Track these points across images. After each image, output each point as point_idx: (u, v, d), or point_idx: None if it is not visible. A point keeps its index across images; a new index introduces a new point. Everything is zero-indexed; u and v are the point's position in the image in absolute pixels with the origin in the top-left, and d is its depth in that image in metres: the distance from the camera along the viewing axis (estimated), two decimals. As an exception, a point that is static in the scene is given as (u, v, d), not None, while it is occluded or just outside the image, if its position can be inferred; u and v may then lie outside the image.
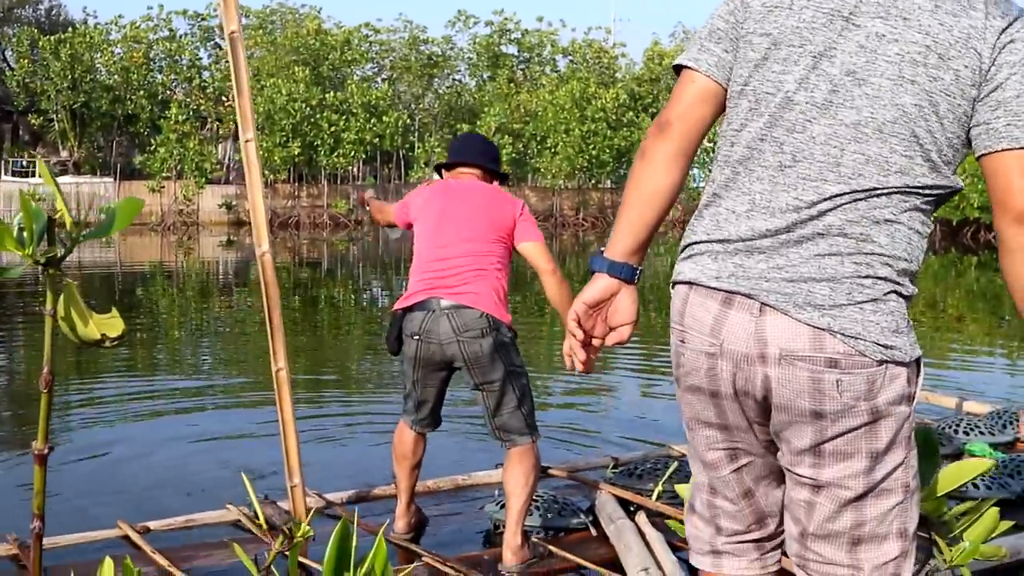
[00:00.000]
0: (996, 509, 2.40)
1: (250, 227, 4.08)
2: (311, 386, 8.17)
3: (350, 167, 44.49)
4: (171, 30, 45.07)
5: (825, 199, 1.80)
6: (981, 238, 33.95)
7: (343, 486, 4.75)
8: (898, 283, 1.82)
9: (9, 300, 15.12)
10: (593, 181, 46.73)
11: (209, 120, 44.51)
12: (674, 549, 3.72)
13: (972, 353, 10.68)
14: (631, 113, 45.52)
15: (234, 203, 41.95)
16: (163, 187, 40.58)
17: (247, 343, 11.11)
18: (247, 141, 3.79)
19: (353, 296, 17.37)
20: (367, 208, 4.45)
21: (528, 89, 47.59)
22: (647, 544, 3.80)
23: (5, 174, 42.47)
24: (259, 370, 8.80)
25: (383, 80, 48.62)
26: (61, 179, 39.45)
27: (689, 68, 1.96)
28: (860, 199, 1.79)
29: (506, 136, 42.90)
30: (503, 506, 3.95)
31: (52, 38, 42.26)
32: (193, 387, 8.45)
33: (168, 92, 44.73)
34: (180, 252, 28.77)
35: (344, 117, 42.56)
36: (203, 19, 45.80)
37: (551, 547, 3.90)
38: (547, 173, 45.22)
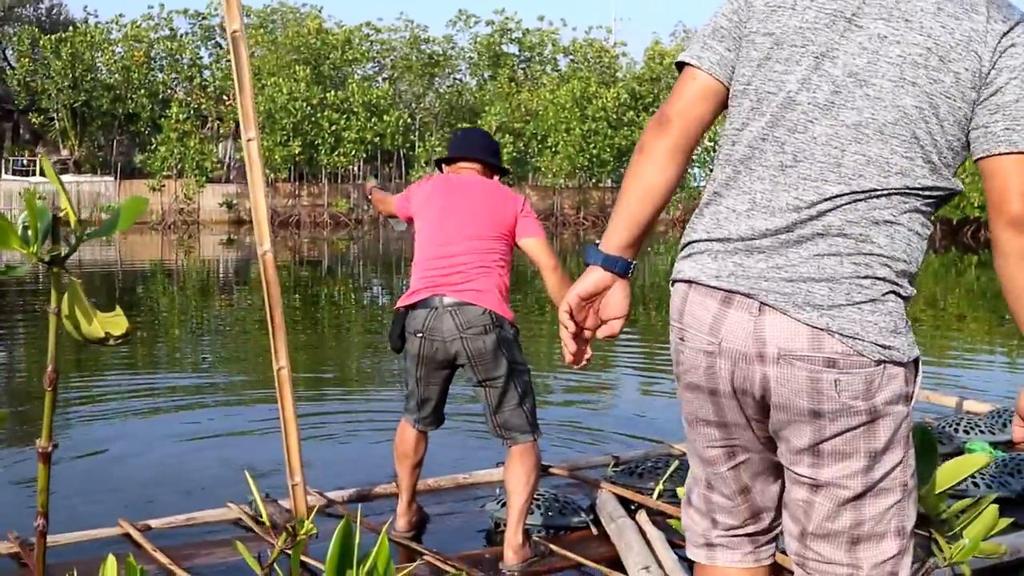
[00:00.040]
0: (996, 507, 2.41)
1: (250, 226, 4.08)
2: (311, 384, 8.17)
3: (351, 166, 44.49)
4: (172, 29, 45.06)
5: (825, 199, 1.81)
6: (981, 237, 33.93)
7: (343, 484, 4.75)
8: (897, 284, 1.83)
9: (9, 298, 15.13)
10: (594, 180, 46.72)
11: (210, 119, 44.50)
12: (675, 547, 3.72)
13: (972, 352, 10.68)
14: (632, 112, 45.50)
15: (234, 202, 41.96)
16: (164, 186, 40.59)
17: (247, 341, 11.12)
18: (249, 140, 3.79)
19: (353, 295, 17.38)
20: (370, 198, 4.44)
21: (529, 88, 47.58)
22: (648, 543, 3.80)
23: (6, 173, 42.46)
24: (259, 368, 8.80)
25: (384, 79, 48.61)
26: (62, 178, 39.33)
27: (691, 65, 1.96)
28: (860, 200, 1.80)
29: (507, 135, 42.89)
30: (504, 504, 3.95)
31: (53, 37, 42.25)
32: (193, 385, 8.46)
33: (169, 91, 44.72)
34: (181, 251, 28.78)
35: (345, 116, 42.56)
36: (204, 18, 45.80)
37: (552, 546, 3.91)
38: (548, 172, 45.22)
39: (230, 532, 4.15)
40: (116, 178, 42.59)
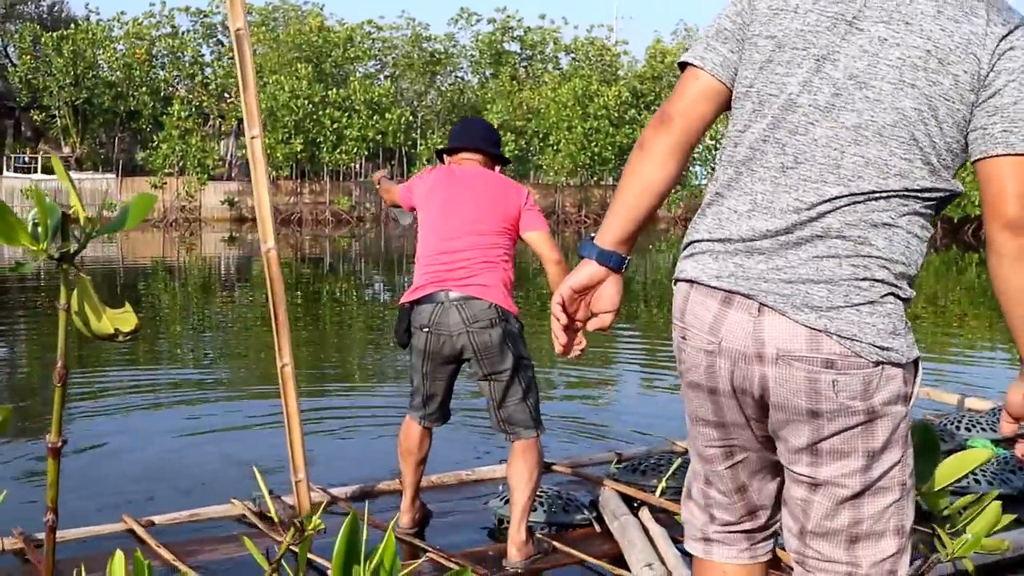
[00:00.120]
0: (998, 503, 2.42)
1: (252, 223, 4.09)
2: (314, 380, 8.18)
3: (352, 164, 44.48)
4: (173, 26, 45.04)
5: (825, 201, 1.82)
6: (982, 235, 33.42)
7: (346, 481, 4.76)
8: (896, 286, 1.84)
9: (10, 295, 15.15)
10: (595, 178, 46.69)
11: (211, 116, 44.50)
12: (678, 544, 3.73)
13: (974, 350, 10.69)
14: (633, 111, 45.48)
15: (236, 199, 41.96)
16: (165, 183, 40.57)
17: (249, 337, 11.13)
18: (253, 138, 3.79)
19: (355, 292, 17.39)
20: (378, 187, 4.43)
21: (531, 86, 47.55)
22: (651, 540, 3.81)
23: (7, 170, 42.46)
24: (261, 364, 8.82)
25: (386, 77, 48.59)
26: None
27: (694, 66, 1.98)
28: (859, 202, 1.82)
29: (509, 133, 42.87)
30: (507, 501, 3.96)
31: (54, 34, 42.24)
32: (194, 380, 8.48)
33: (170, 88, 44.69)
34: (183, 248, 28.79)
35: (347, 114, 42.54)
36: (205, 15, 45.80)
37: (555, 543, 3.91)
38: (549, 170, 45.20)
39: (234, 528, 4.16)
40: (118, 175, 42.58)
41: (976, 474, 4.41)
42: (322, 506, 2.53)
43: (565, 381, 8.35)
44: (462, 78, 50.83)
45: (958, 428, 5.44)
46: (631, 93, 46.20)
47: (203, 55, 45.66)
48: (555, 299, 2.02)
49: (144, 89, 43.28)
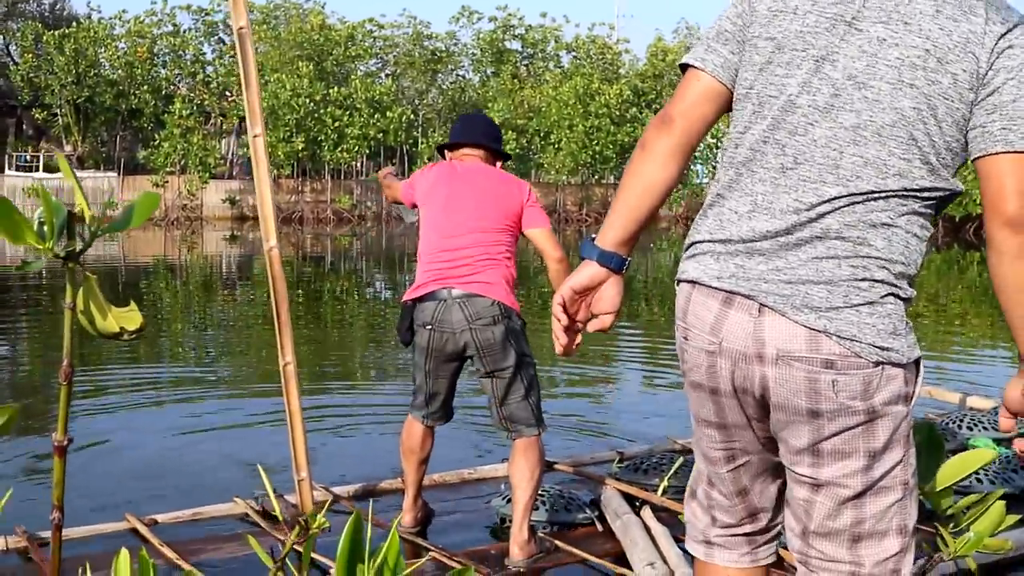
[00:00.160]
0: (1003, 503, 2.42)
1: (253, 222, 4.09)
2: (315, 378, 8.18)
3: (354, 162, 44.48)
4: (175, 25, 45.02)
5: (824, 201, 1.83)
6: (983, 234, 33.77)
7: (347, 479, 4.76)
8: (896, 286, 1.85)
9: (12, 293, 15.16)
10: (597, 177, 46.66)
11: (213, 115, 44.48)
12: (679, 543, 3.73)
13: (975, 348, 10.69)
14: (634, 109, 45.46)
15: (237, 198, 41.96)
16: (167, 182, 40.55)
17: (250, 336, 11.14)
18: (255, 136, 3.79)
19: (356, 290, 17.39)
20: (383, 182, 4.40)
21: (532, 85, 47.54)
22: (653, 539, 3.81)
23: (9, 168, 42.46)
24: (262, 363, 8.82)
25: (387, 75, 48.58)
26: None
27: (695, 67, 1.99)
28: (858, 202, 1.82)
29: (510, 132, 42.83)
30: (509, 500, 3.96)
31: (56, 33, 42.22)
32: (196, 378, 8.48)
33: (172, 87, 44.67)
34: (184, 247, 28.80)
35: (348, 112, 42.52)
36: (207, 14, 45.77)
37: (557, 542, 3.92)
38: (551, 169, 45.18)
39: (236, 527, 4.16)
40: (119, 174, 42.57)
41: (978, 473, 4.41)
42: (326, 505, 2.55)
43: (567, 379, 8.35)
44: (463, 76, 50.83)
45: (960, 427, 5.44)
46: (632, 91, 46.19)
47: (204, 53, 45.64)
48: (556, 300, 2.02)
49: (145, 87, 43.26)
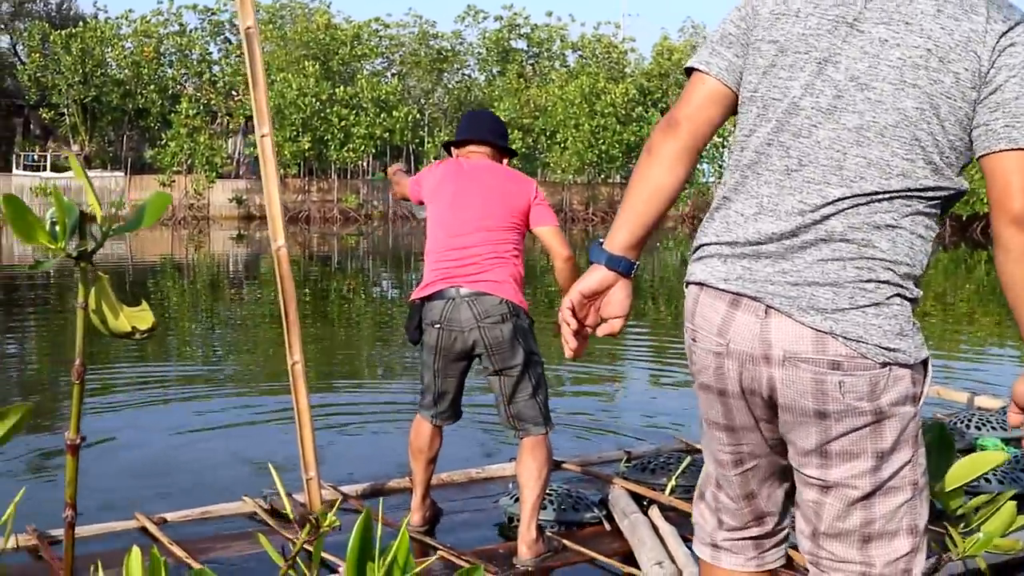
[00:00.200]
0: (1014, 503, 2.41)
1: (260, 222, 4.10)
2: (322, 377, 8.20)
3: (360, 162, 44.52)
4: (181, 24, 45.10)
5: (828, 203, 1.84)
6: (991, 233, 33.79)
7: (355, 478, 4.77)
8: (901, 286, 1.85)
9: (20, 292, 15.19)
10: (603, 176, 46.67)
11: (219, 114, 44.55)
12: (687, 543, 3.73)
13: (984, 347, 10.67)
14: (640, 108, 45.44)
15: (244, 197, 42.02)
16: (174, 181, 40.62)
17: (258, 335, 11.16)
18: (263, 136, 3.79)
19: (363, 289, 17.41)
20: (392, 178, 4.39)
21: (538, 84, 47.55)
22: (661, 538, 3.81)
23: (16, 168, 42.56)
24: (269, 361, 8.84)
25: (393, 75, 48.62)
26: (73, 173, 39.46)
27: (700, 71, 2.00)
28: (862, 203, 1.83)
29: (516, 131, 42.83)
30: (517, 499, 3.96)
31: (63, 32, 42.30)
32: (203, 376, 8.49)
33: (178, 86, 44.74)
34: (191, 246, 28.86)
35: (354, 112, 42.56)
36: (213, 13, 45.83)
37: (565, 541, 3.92)
38: (557, 168, 45.19)
39: (245, 525, 4.17)
40: (126, 173, 42.65)
41: (987, 473, 4.39)
42: (336, 503, 2.54)
43: (575, 378, 8.35)
44: (469, 76, 50.87)
45: (968, 427, 5.43)
46: (638, 90, 46.19)
47: (211, 53, 45.70)
48: (564, 304, 2.03)
49: (152, 87, 43.33)
